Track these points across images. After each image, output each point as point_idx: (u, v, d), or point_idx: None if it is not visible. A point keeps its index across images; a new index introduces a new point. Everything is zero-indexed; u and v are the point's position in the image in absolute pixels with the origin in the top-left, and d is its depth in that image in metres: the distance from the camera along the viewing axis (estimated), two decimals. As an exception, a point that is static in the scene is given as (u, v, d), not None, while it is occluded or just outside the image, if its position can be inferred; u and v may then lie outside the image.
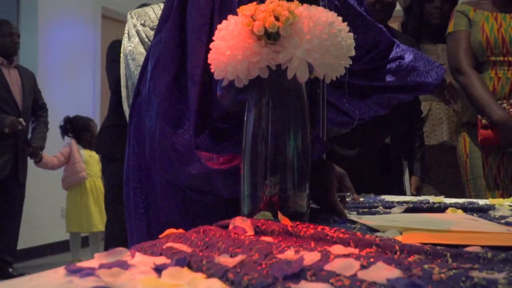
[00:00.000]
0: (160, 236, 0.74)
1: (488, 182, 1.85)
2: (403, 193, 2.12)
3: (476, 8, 1.94)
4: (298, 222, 0.79)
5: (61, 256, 4.63)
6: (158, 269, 0.55)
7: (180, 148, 0.97)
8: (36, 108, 3.95)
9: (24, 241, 4.11)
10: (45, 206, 4.68)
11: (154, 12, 2.12)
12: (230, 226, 0.78)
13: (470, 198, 1.71)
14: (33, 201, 4.41)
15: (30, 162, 3.89)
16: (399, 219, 0.95)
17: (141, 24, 2.08)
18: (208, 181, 0.98)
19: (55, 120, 4.09)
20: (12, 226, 3.79)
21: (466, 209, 1.11)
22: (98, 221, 4.07)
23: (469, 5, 1.99)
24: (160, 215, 1.09)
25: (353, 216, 0.98)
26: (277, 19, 0.82)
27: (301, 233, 0.73)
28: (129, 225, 1.15)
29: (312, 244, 0.70)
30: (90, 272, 0.53)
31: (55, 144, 4.00)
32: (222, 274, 0.52)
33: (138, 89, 1.15)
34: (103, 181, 3.29)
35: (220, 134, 0.99)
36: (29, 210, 4.23)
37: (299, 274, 0.51)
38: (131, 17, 2.11)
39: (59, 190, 4.28)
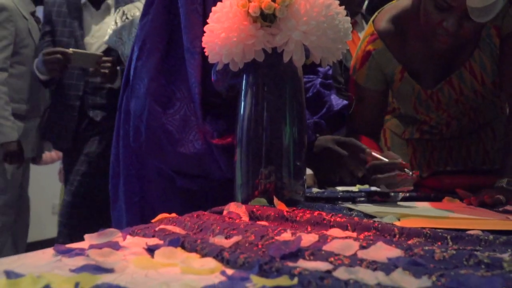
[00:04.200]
0: (153, 220, 0.72)
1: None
2: None
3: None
4: (294, 208, 0.78)
5: (53, 253, 4.59)
6: (151, 250, 0.53)
7: (170, 128, 0.95)
8: None
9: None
10: (36, 203, 4.62)
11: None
12: (225, 212, 0.76)
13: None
14: (24, 198, 4.35)
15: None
16: (396, 207, 0.93)
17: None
18: (200, 163, 0.95)
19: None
20: None
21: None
22: None
23: (390, 42, 1.20)
24: (157, 208, 1.05)
25: (348, 204, 0.96)
26: (273, 0, 0.80)
27: (297, 218, 0.71)
28: (117, 218, 1.11)
29: (309, 228, 0.68)
30: (79, 252, 0.51)
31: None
32: (217, 253, 0.50)
33: (127, 77, 1.12)
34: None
35: (218, 113, 0.97)
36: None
37: (297, 253, 0.49)
38: (117, 12, 2.10)
39: (50, 187, 4.23)
